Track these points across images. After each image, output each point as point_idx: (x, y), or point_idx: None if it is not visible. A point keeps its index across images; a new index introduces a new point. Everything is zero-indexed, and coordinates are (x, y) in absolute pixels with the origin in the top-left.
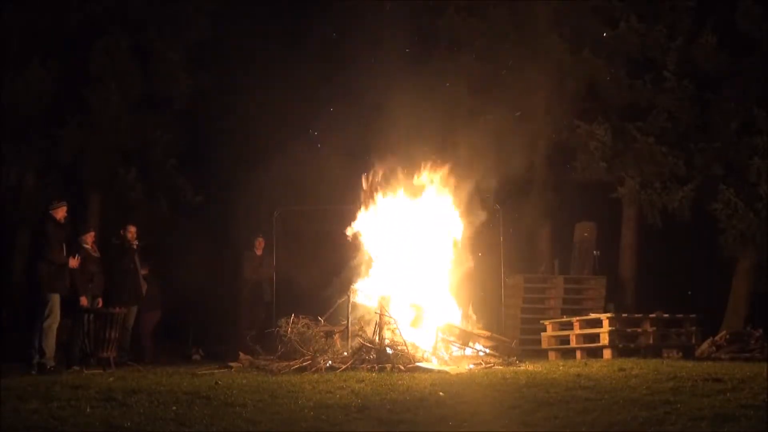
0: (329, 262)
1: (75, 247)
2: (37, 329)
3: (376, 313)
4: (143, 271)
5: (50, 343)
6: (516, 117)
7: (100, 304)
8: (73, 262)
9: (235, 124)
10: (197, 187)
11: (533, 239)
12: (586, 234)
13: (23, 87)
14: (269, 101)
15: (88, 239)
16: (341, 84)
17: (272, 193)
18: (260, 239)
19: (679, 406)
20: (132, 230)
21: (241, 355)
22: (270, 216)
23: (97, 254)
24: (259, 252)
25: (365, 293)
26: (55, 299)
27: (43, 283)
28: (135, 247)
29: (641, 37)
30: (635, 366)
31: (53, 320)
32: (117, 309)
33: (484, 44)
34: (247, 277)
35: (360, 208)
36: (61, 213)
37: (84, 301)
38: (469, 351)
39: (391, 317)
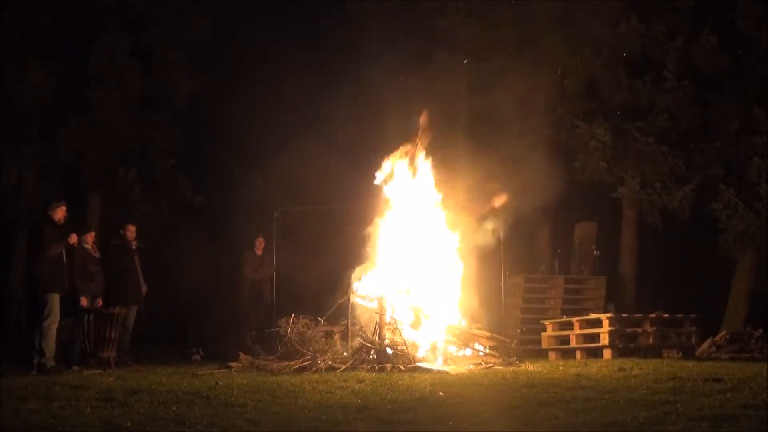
0: (329, 262)
1: (75, 247)
2: (36, 329)
3: (376, 313)
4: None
5: (50, 343)
6: (516, 116)
7: (100, 304)
8: (73, 238)
9: (235, 123)
10: (197, 187)
11: (533, 239)
12: (586, 234)
13: (23, 87)
14: (269, 101)
15: (89, 239)
16: (341, 83)
17: (272, 193)
18: (260, 239)
19: (679, 406)
20: (132, 230)
21: (241, 355)
22: (270, 216)
23: (97, 254)
24: (259, 252)
25: (365, 293)
26: (54, 299)
27: (41, 284)
28: (135, 247)
29: (641, 37)
30: (635, 366)
31: (52, 320)
32: (117, 309)
33: (484, 44)
34: (247, 277)
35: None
36: (59, 213)
37: (84, 301)
38: (469, 351)
39: (392, 317)
